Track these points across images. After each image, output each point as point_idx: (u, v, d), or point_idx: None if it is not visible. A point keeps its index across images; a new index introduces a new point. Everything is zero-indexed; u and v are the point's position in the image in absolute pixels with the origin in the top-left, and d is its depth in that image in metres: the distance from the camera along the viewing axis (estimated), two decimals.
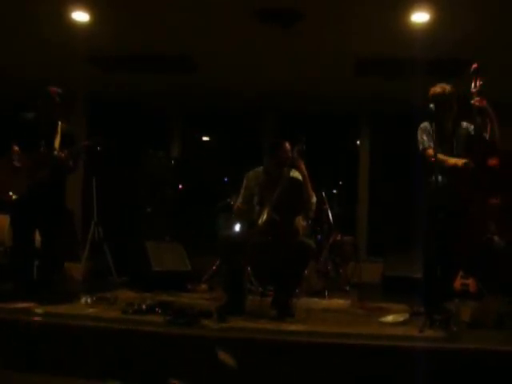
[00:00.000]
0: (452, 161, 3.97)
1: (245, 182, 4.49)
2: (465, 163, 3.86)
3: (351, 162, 8.21)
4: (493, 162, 3.90)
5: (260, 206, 4.25)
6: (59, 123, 4.45)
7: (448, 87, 4.05)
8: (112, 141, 4.71)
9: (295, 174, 4.31)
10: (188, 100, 7.94)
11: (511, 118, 4.93)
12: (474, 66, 3.87)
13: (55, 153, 4.32)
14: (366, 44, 5.89)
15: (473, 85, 3.85)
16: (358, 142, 8.28)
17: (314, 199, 4.31)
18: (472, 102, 3.81)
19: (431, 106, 3.97)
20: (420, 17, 5.29)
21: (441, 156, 3.96)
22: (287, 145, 4.35)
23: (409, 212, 4.35)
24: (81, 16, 5.51)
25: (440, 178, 3.84)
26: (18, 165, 4.24)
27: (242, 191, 4.47)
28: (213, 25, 5.61)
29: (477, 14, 5.10)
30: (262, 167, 4.50)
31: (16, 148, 4.26)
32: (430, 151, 3.94)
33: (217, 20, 5.51)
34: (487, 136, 3.88)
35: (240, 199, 4.48)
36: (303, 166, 4.23)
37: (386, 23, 5.38)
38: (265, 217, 4.11)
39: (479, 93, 3.82)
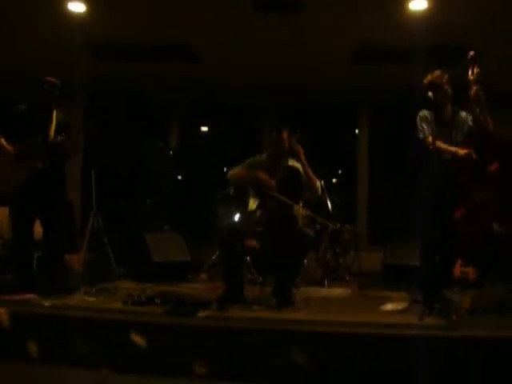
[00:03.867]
0: (453, 149, 3.94)
1: (249, 160, 4.48)
2: (467, 154, 3.82)
3: (350, 151, 8.20)
4: (492, 168, 3.83)
5: (258, 195, 4.25)
6: (55, 111, 4.44)
7: (436, 72, 4.03)
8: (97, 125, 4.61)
9: (294, 163, 4.32)
10: (187, 90, 7.91)
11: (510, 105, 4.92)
12: (471, 53, 3.83)
13: (50, 140, 4.30)
14: (363, 32, 5.85)
15: (470, 72, 3.82)
16: (357, 131, 8.26)
17: (318, 183, 4.33)
18: (471, 92, 3.78)
19: (430, 94, 3.97)
20: (418, 4, 5.26)
21: (441, 145, 3.95)
22: (285, 134, 4.36)
23: (408, 200, 4.34)
24: (77, 6, 5.48)
25: (440, 166, 3.84)
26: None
27: (243, 164, 4.46)
28: (212, 14, 5.57)
29: (475, 1, 5.07)
30: (265, 155, 4.50)
31: (2, 140, 4.25)
32: (430, 139, 3.92)
33: (216, 10, 5.47)
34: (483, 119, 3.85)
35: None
36: (302, 154, 4.25)
37: (384, 11, 5.34)
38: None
39: (476, 81, 3.79)
